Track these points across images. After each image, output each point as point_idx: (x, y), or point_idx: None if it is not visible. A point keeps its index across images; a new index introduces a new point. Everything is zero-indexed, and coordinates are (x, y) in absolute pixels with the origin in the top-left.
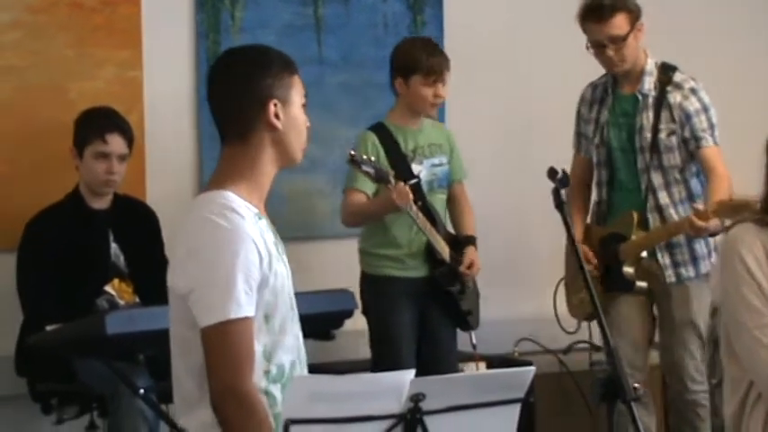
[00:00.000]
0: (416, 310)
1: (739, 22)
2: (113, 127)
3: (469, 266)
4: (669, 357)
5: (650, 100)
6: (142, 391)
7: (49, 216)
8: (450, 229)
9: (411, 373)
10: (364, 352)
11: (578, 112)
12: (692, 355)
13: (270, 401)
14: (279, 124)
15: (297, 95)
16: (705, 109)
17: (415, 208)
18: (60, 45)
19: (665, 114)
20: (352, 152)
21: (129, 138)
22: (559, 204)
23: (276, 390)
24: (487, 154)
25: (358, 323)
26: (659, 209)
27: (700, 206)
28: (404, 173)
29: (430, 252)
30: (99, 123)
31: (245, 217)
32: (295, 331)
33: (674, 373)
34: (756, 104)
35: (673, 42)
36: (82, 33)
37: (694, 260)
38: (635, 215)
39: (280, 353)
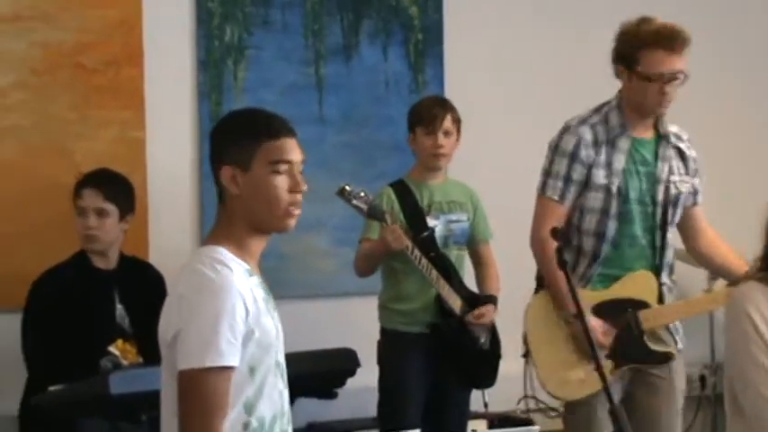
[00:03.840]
0: (427, 366)
1: (732, 77)
2: (88, 182)
3: (478, 317)
4: (664, 427)
5: (671, 148)
6: None
7: (55, 276)
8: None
9: None
10: (368, 410)
11: (573, 155)
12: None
13: None
14: (236, 189)
15: (262, 163)
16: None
17: (417, 251)
18: (64, 106)
19: (678, 165)
20: (346, 187)
21: (109, 193)
22: (562, 263)
23: None
24: (487, 210)
25: (360, 381)
26: (667, 268)
27: None
28: (418, 225)
29: (441, 306)
30: (80, 181)
31: (233, 270)
32: (279, 386)
33: None
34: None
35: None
36: (85, 94)
37: (680, 327)
38: (653, 278)
39: (261, 406)
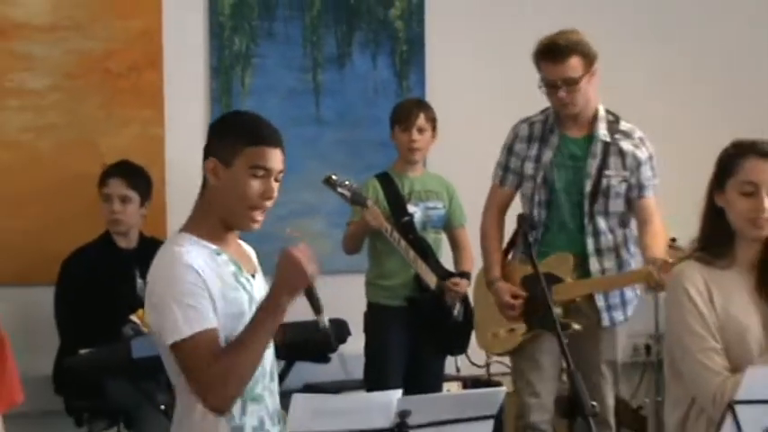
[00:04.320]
0: (406, 336)
1: (675, 78)
2: (113, 172)
3: (454, 285)
4: (593, 394)
5: (602, 145)
6: (163, 406)
7: (82, 255)
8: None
9: (398, 392)
10: (357, 373)
11: (509, 148)
12: (607, 394)
13: (228, 415)
14: (215, 180)
15: (243, 164)
16: (651, 158)
17: (395, 233)
18: (93, 106)
19: (615, 161)
20: (332, 176)
21: (133, 182)
22: (528, 247)
23: (236, 405)
24: (463, 199)
25: (351, 348)
26: (599, 252)
27: (664, 258)
28: (399, 211)
29: (419, 282)
30: (105, 171)
31: (188, 250)
32: None
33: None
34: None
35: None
36: (111, 96)
37: (624, 304)
38: (571, 258)
39: None
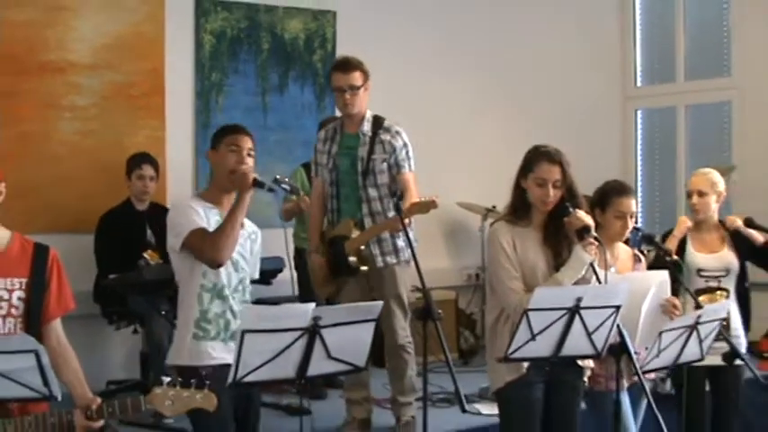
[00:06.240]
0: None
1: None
2: (146, 161)
3: None
4: (384, 321)
5: (368, 138)
6: (164, 312)
7: (112, 214)
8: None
9: (313, 304)
10: (288, 291)
11: (315, 148)
12: (398, 318)
13: (199, 301)
14: (211, 161)
15: (224, 146)
16: (405, 145)
17: None
18: (120, 117)
19: (378, 148)
20: (277, 177)
21: (156, 167)
22: (398, 210)
23: (206, 295)
24: None
25: (285, 276)
26: (372, 214)
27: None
28: None
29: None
30: (138, 160)
31: (193, 206)
32: (229, 269)
33: (388, 330)
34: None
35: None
36: (132, 111)
37: (396, 251)
38: (351, 221)
39: (210, 274)
